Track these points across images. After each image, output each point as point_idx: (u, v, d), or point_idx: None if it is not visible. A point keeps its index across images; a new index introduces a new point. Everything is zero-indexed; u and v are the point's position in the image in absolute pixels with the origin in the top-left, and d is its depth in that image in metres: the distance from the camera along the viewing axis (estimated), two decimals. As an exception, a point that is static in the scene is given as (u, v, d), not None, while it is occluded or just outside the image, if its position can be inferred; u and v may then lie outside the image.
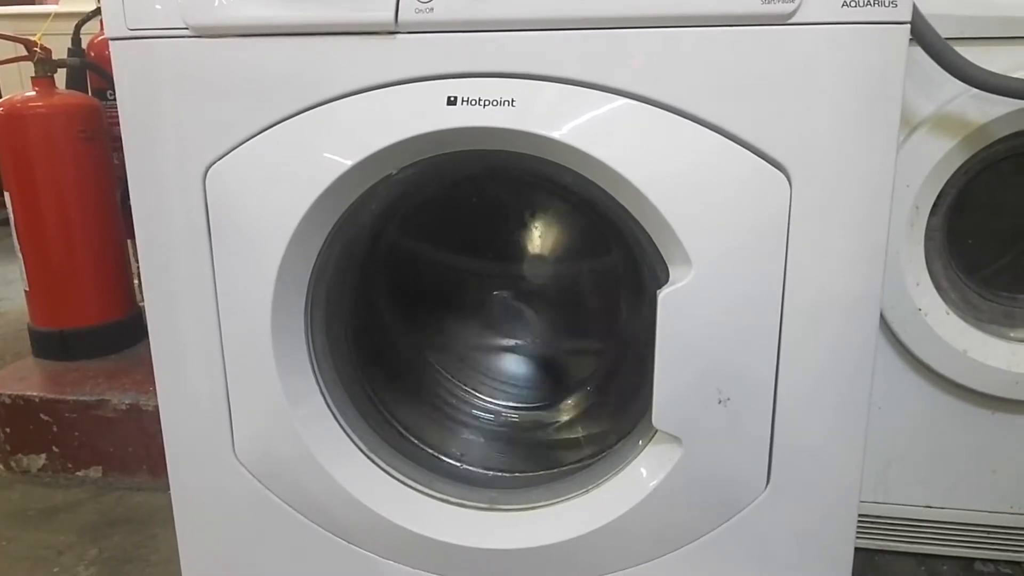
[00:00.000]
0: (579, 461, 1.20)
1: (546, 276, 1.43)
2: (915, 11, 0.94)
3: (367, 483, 1.10)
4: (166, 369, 1.11)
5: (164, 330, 1.09)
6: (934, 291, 1.31)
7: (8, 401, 1.89)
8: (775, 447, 0.98)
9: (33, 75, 2.01)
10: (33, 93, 1.99)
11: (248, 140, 0.98)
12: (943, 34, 1.05)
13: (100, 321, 2.11)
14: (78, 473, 1.91)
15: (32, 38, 2.04)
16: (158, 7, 0.97)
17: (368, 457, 1.12)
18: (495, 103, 0.91)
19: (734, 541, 1.03)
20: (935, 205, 1.27)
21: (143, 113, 1.02)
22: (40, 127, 1.94)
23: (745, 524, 1.02)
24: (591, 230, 1.37)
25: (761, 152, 0.89)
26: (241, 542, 1.17)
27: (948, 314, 1.32)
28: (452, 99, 0.92)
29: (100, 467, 1.90)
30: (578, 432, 1.34)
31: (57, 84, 2.06)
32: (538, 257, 1.41)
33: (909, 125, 1.22)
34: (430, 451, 1.26)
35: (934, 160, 1.23)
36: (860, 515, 1.02)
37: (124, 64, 1.01)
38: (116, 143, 1.95)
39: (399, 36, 0.93)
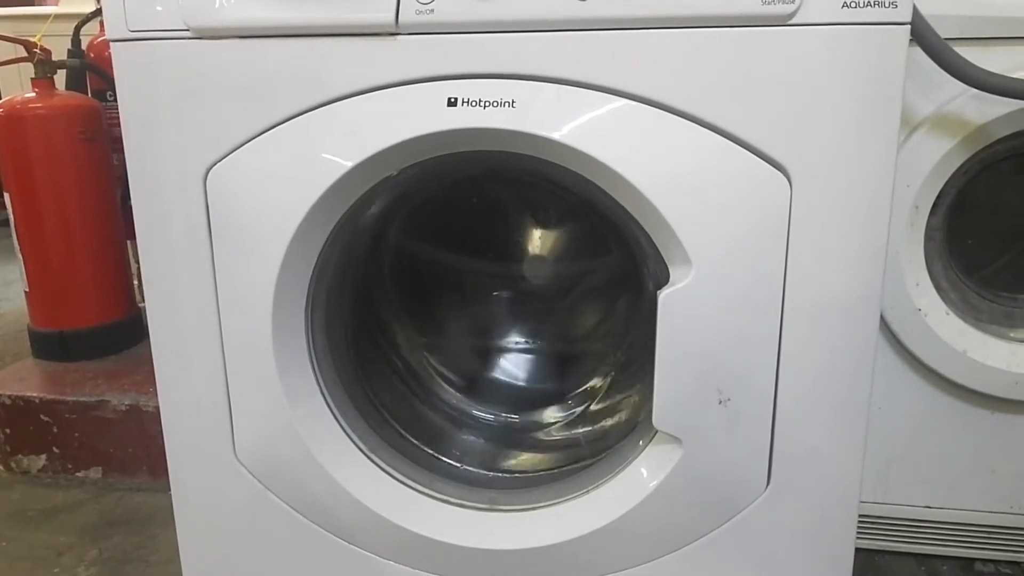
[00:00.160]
0: (579, 461, 1.20)
1: (546, 277, 1.43)
2: (915, 12, 0.94)
3: (367, 483, 1.10)
4: (167, 370, 1.11)
5: (165, 331, 1.09)
6: (934, 291, 1.31)
7: (8, 402, 1.89)
8: (775, 447, 0.98)
9: (33, 76, 2.01)
10: (33, 94, 1.99)
11: (249, 141, 0.98)
12: (943, 34, 1.05)
13: (100, 322, 2.11)
14: (78, 474, 1.91)
15: (32, 39, 2.04)
16: (159, 8, 0.97)
17: (368, 457, 1.12)
18: (495, 104, 0.91)
19: (734, 541, 1.03)
20: (935, 205, 1.28)
21: (144, 114, 1.02)
22: (40, 128, 1.94)
23: (745, 524, 1.02)
24: (591, 231, 1.37)
25: (761, 153, 0.89)
26: (241, 542, 1.17)
27: (948, 314, 1.32)
28: (452, 100, 0.92)
29: (100, 468, 1.90)
30: (578, 432, 1.34)
31: (57, 85, 2.06)
32: (538, 258, 1.41)
33: (909, 125, 1.22)
34: (430, 451, 1.26)
35: (934, 160, 1.23)
36: (860, 515, 1.02)
37: (125, 65, 1.01)
38: (116, 144, 1.95)
39: (399, 37, 0.93)
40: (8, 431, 1.91)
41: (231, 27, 0.95)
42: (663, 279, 0.95)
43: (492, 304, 1.47)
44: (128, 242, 2.17)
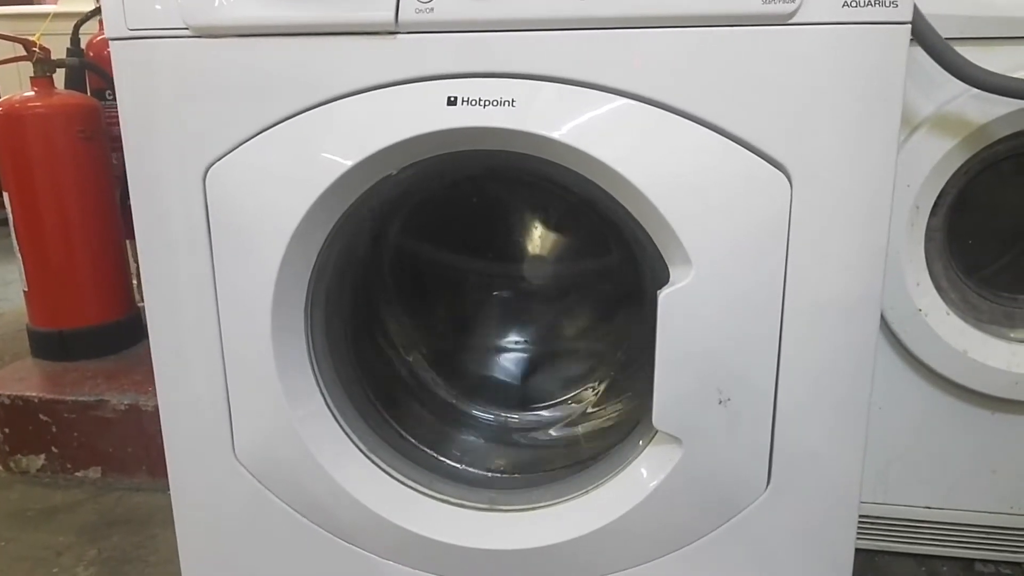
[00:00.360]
0: (579, 461, 1.20)
1: (546, 276, 1.43)
2: (916, 11, 0.94)
3: (367, 483, 1.10)
4: (166, 369, 1.11)
5: (164, 330, 1.09)
6: (934, 291, 1.31)
7: (7, 401, 1.89)
8: (775, 448, 0.98)
9: (32, 75, 2.01)
10: (32, 93, 1.99)
11: (248, 140, 0.98)
12: (944, 34, 1.05)
13: (99, 321, 2.11)
14: (77, 473, 1.91)
15: (31, 38, 2.04)
16: (158, 7, 0.97)
17: (368, 457, 1.12)
18: (495, 103, 0.91)
19: (734, 542, 1.03)
20: (935, 205, 1.27)
21: (143, 113, 1.01)
22: (39, 127, 1.95)
23: (745, 525, 1.02)
24: (591, 230, 1.37)
25: (761, 152, 0.89)
26: (241, 542, 1.17)
27: (948, 314, 1.32)
28: (452, 99, 0.92)
29: (99, 467, 1.90)
30: (578, 432, 1.33)
31: (56, 84, 2.06)
32: (538, 257, 1.41)
33: (910, 125, 1.22)
34: (429, 451, 1.26)
35: (934, 160, 1.23)
36: (860, 515, 1.02)
37: (124, 64, 1.01)
38: (115, 143, 1.95)
39: (399, 36, 0.93)
40: (7, 431, 1.91)
41: (230, 26, 0.95)
42: (663, 279, 0.95)
43: (492, 304, 1.47)
44: (127, 241, 2.17)
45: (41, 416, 1.88)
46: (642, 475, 1.02)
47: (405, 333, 1.42)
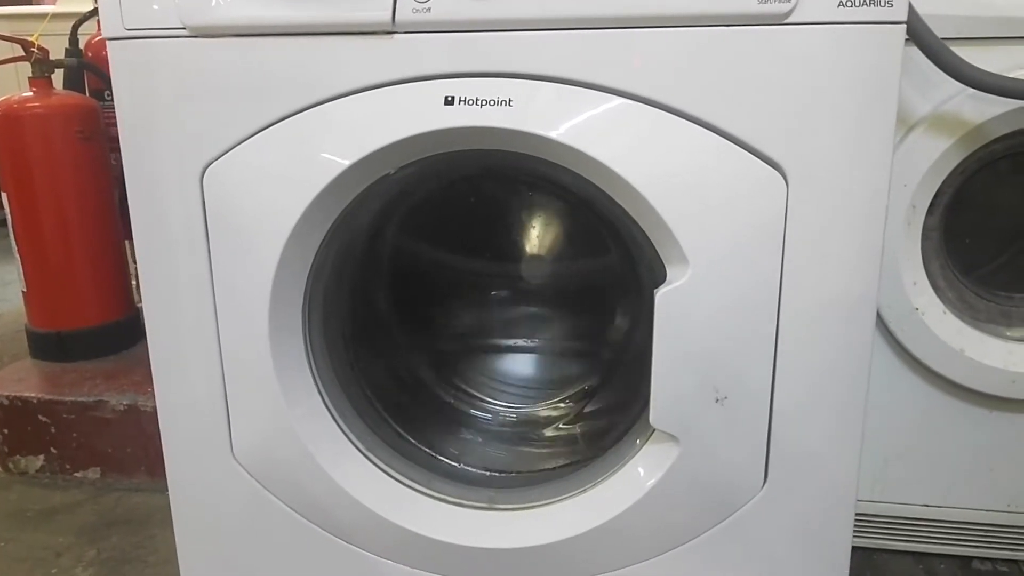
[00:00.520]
0: (577, 460, 1.20)
1: (544, 275, 1.43)
2: (911, 11, 0.94)
3: (365, 482, 1.10)
4: (164, 370, 1.11)
5: (162, 330, 1.09)
6: (931, 290, 1.31)
7: (6, 402, 1.89)
8: (772, 446, 0.98)
9: (30, 75, 2.01)
10: (30, 93, 1.99)
11: (245, 140, 0.98)
12: (940, 34, 1.05)
13: (98, 322, 2.11)
14: (76, 474, 1.91)
15: (29, 38, 2.04)
16: (155, 7, 0.97)
17: (366, 456, 1.12)
18: (492, 103, 0.91)
19: (731, 540, 1.03)
20: (932, 204, 1.28)
21: (140, 113, 1.02)
22: (38, 127, 1.94)
23: (742, 523, 1.02)
24: (589, 230, 1.37)
25: (758, 152, 0.89)
26: (239, 542, 1.17)
27: (945, 313, 1.32)
28: (449, 99, 0.92)
29: (98, 468, 1.90)
30: (576, 431, 1.34)
31: (54, 84, 2.06)
32: (536, 257, 1.41)
33: (906, 125, 1.23)
34: (428, 450, 1.26)
35: (931, 159, 1.23)
36: (858, 514, 1.03)
37: (121, 64, 1.01)
38: (114, 143, 1.96)
39: (396, 36, 0.93)
40: (6, 431, 1.91)
41: (228, 25, 0.95)
42: (660, 278, 0.95)
43: (489, 303, 1.47)
44: (126, 242, 2.17)
45: (40, 417, 1.88)
46: (639, 474, 1.03)
47: (403, 332, 1.42)
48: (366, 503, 1.09)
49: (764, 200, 0.90)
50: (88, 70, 2.22)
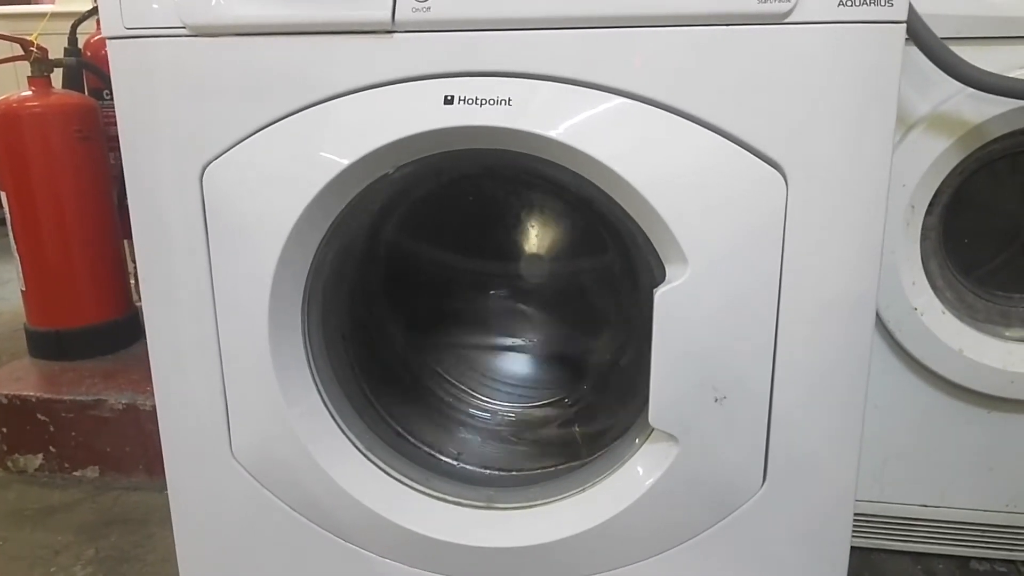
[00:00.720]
0: (576, 459, 1.20)
1: (543, 275, 1.43)
2: (911, 10, 0.94)
3: (364, 482, 1.10)
4: (163, 368, 1.11)
5: (162, 330, 1.09)
6: (930, 290, 1.31)
7: (5, 401, 1.89)
8: (771, 445, 0.98)
9: (29, 75, 2.01)
10: (29, 93, 1.99)
11: (245, 139, 0.98)
12: (939, 34, 1.05)
13: (97, 321, 2.12)
14: (75, 473, 1.91)
15: (28, 38, 2.04)
16: (155, 6, 0.97)
17: (365, 455, 1.12)
18: (492, 102, 0.91)
19: (730, 539, 1.04)
20: (931, 204, 1.28)
21: (140, 112, 1.02)
22: (36, 127, 1.95)
23: (741, 522, 1.02)
24: (588, 229, 1.37)
25: (757, 151, 0.89)
26: (238, 541, 1.17)
27: (944, 313, 1.32)
28: (449, 98, 0.92)
29: (97, 467, 1.90)
30: (575, 430, 1.34)
31: (53, 84, 2.06)
32: (535, 256, 1.41)
33: (905, 124, 1.23)
34: (427, 450, 1.27)
35: (930, 159, 1.23)
36: (856, 514, 1.03)
37: (121, 63, 1.01)
38: (112, 143, 1.96)
39: (396, 35, 0.93)
40: (5, 430, 1.91)
41: (227, 25, 0.95)
42: (659, 277, 0.95)
43: (488, 302, 1.47)
44: (125, 241, 2.17)
45: (39, 415, 1.88)
46: (638, 473, 1.03)
47: (402, 331, 1.42)
48: (365, 502, 1.09)
49: (763, 199, 0.90)
50: (87, 69, 2.22)
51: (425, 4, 0.90)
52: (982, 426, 1.38)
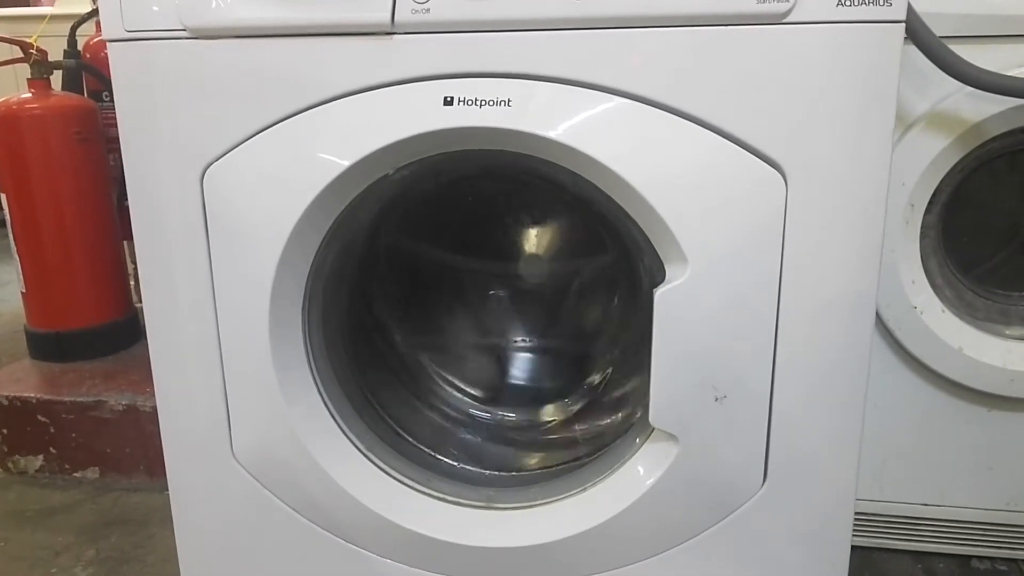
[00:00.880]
0: (576, 459, 1.20)
1: (543, 275, 1.43)
2: (910, 9, 0.94)
3: (364, 482, 1.10)
4: (164, 370, 1.11)
5: (162, 331, 1.09)
6: (929, 289, 1.32)
7: (5, 402, 1.89)
8: (771, 445, 0.99)
9: (29, 77, 2.02)
10: (29, 95, 1.99)
11: (245, 141, 0.98)
12: (938, 32, 1.05)
13: (96, 322, 2.12)
14: (75, 474, 1.91)
15: (28, 40, 2.04)
16: (155, 8, 0.97)
17: (365, 456, 1.12)
18: (491, 103, 0.92)
19: (731, 539, 1.04)
20: (930, 203, 1.28)
21: (141, 114, 1.02)
22: (36, 129, 1.95)
23: (741, 522, 1.02)
24: (588, 229, 1.37)
25: (757, 151, 0.89)
26: (239, 541, 1.17)
27: (943, 312, 1.32)
28: (448, 99, 0.92)
29: (97, 468, 1.90)
30: (575, 430, 1.34)
31: (53, 86, 2.06)
32: (535, 256, 1.41)
33: (904, 123, 1.23)
34: (427, 450, 1.27)
35: (929, 158, 1.23)
36: (856, 513, 1.03)
37: (122, 65, 1.01)
38: (112, 144, 1.96)
39: (395, 37, 0.93)
40: (5, 431, 1.91)
41: (228, 27, 0.96)
42: (659, 277, 0.95)
43: (489, 302, 1.47)
44: (124, 242, 2.17)
45: (39, 417, 1.88)
46: (639, 473, 1.03)
47: (402, 331, 1.42)
48: (365, 502, 1.09)
49: (763, 199, 0.90)
50: (86, 71, 2.22)
51: (424, 6, 0.90)
52: (982, 425, 1.38)
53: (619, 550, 1.06)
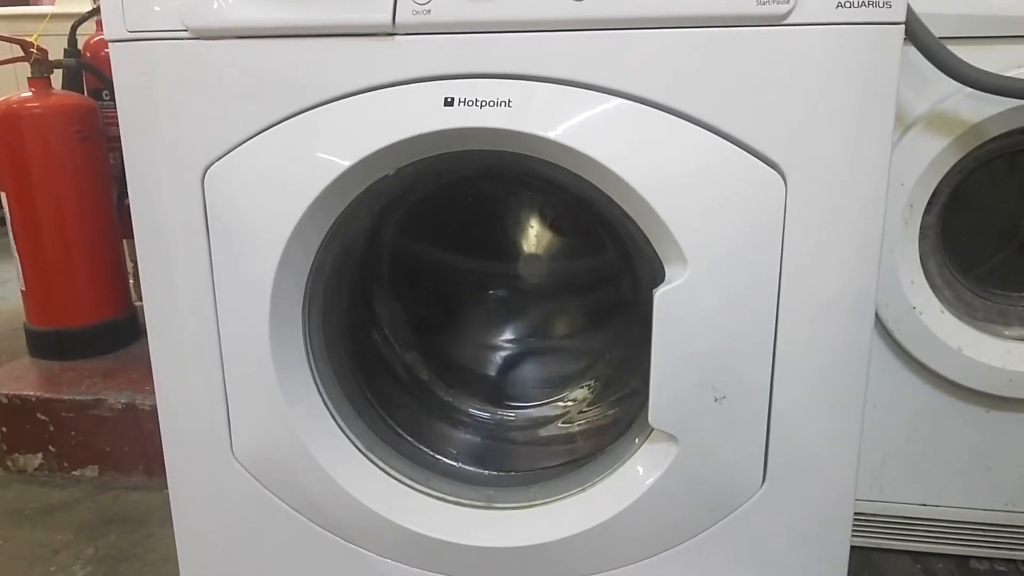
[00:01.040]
0: (575, 459, 1.20)
1: (543, 275, 1.43)
2: (909, 11, 0.94)
3: (364, 481, 1.11)
4: (165, 369, 1.12)
5: (163, 331, 1.10)
6: (928, 289, 1.32)
7: (4, 401, 1.89)
8: (771, 445, 0.99)
9: (29, 76, 2.02)
10: (29, 94, 1.99)
11: (246, 141, 0.98)
12: (937, 33, 1.05)
13: (96, 320, 2.12)
14: (74, 472, 1.91)
15: (28, 39, 2.04)
16: (157, 9, 0.97)
17: (365, 455, 1.12)
18: (492, 104, 0.92)
19: (730, 539, 1.04)
20: (929, 203, 1.28)
21: (142, 114, 1.02)
22: (36, 127, 1.95)
23: (741, 522, 1.03)
24: (588, 229, 1.37)
25: (756, 152, 0.90)
26: (239, 541, 1.17)
27: (942, 312, 1.32)
28: (449, 100, 0.92)
29: (96, 466, 1.90)
30: (574, 430, 1.34)
31: (53, 85, 2.06)
32: (535, 256, 1.41)
33: (903, 124, 1.23)
34: (426, 449, 1.27)
35: (928, 158, 1.23)
36: (855, 513, 1.03)
37: (123, 66, 1.01)
38: (112, 143, 1.96)
39: (396, 37, 0.93)
40: (4, 430, 1.91)
41: (229, 27, 0.96)
42: (659, 277, 0.96)
43: (488, 303, 1.47)
44: (124, 241, 2.17)
45: (38, 415, 1.88)
46: (638, 473, 1.03)
47: (402, 332, 1.42)
48: (365, 502, 1.09)
49: (763, 200, 0.90)
50: (87, 70, 2.22)
51: (426, 6, 0.90)
52: (981, 425, 1.38)
53: (619, 550, 1.06)
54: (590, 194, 0.98)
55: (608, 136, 0.91)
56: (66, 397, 1.86)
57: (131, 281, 2.24)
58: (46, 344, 2.11)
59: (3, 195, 2.01)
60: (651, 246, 0.96)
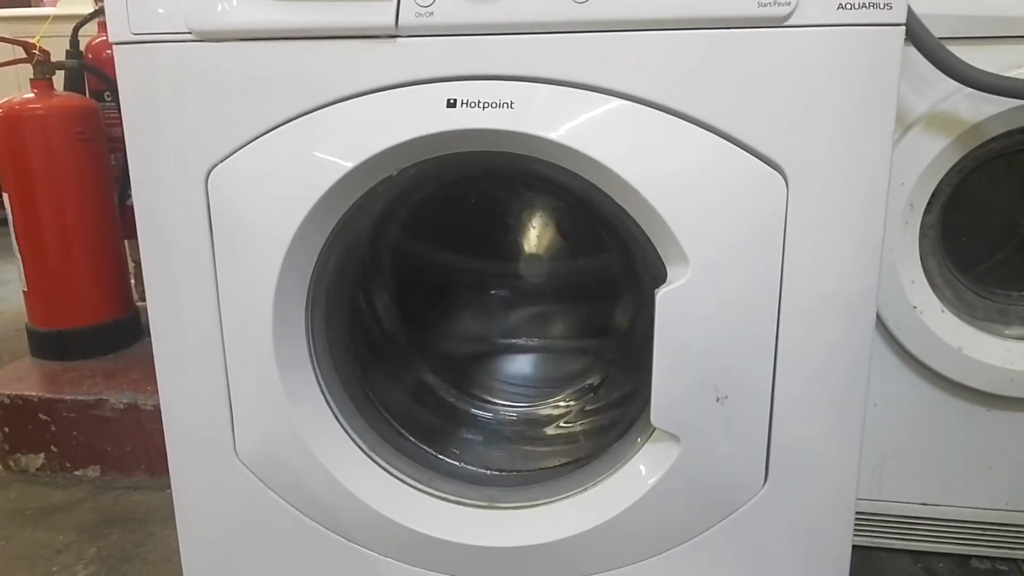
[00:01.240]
0: (577, 459, 1.21)
1: (544, 275, 1.43)
2: (909, 12, 0.95)
3: (366, 481, 1.11)
4: (168, 369, 1.12)
5: (166, 330, 1.10)
6: (929, 289, 1.32)
7: (7, 401, 1.89)
8: (772, 445, 0.99)
9: (32, 77, 2.02)
10: (32, 95, 1.99)
11: (250, 143, 0.99)
12: (937, 34, 1.06)
13: (97, 321, 2.12)
14: (76, 472, 1.92)
15: (31, 40, 2.05)
16: (161, 11, 0.97)
17: (367, 455, 1.13)
18: (494, 105, 0.92)
19: (732, 539, 1.04)
20: (929, 203, 1.28)
21: (146, 116, 1.02)
22: (38, 129, 1.95)
23: (743, 522, 1.03)
24: (589, 230, 1.37)
25: (758, 152, 0.90)
26: (242, 540, 1.17)
27: (943, 311, 1.32)
28: (452, 101, 0.93)
29: (98, 466, 1.90)
30: (576, 430, 1.34)
31: (55, 86, 2.07)
32: (536, 256, 1.42)
33: (903, 124, 1.23)
34: (428, 449, 1.27)
35: (928, 158, 1.23)
36: (856, 512, 1.03)
37: (127, 68, 1.01)
38: (114, 144, 1.96)
39: (399, 39, 0.93)
40: (6, 430, 1.91)
41: (233, 29, 0.96)
42: (660, 278, 0.96)
43: (490, 302, 1.47)
44: (125, 241, 2.17)
45: (40, 415, 1.88)
46: (640, 472, 1.03)
47: (404, 332, 1.43)
48: (367, 501, 1.09)
49: (764, 200, 0.91)
50: (88, 72, 2.22)
51: (428, 8, 0.91)
52: (981, 424, 1.38)
53: (620, 550, 1.06)
54: (592, 195, 0.99)
55: (610, 137, 0.91)
56: (68, 397, 1.87)
57: (132, 281, 2.24)
58: (48, 344, 2.11)
59: (5, 196, 2.01)
60: (653, 246, 0.96)
